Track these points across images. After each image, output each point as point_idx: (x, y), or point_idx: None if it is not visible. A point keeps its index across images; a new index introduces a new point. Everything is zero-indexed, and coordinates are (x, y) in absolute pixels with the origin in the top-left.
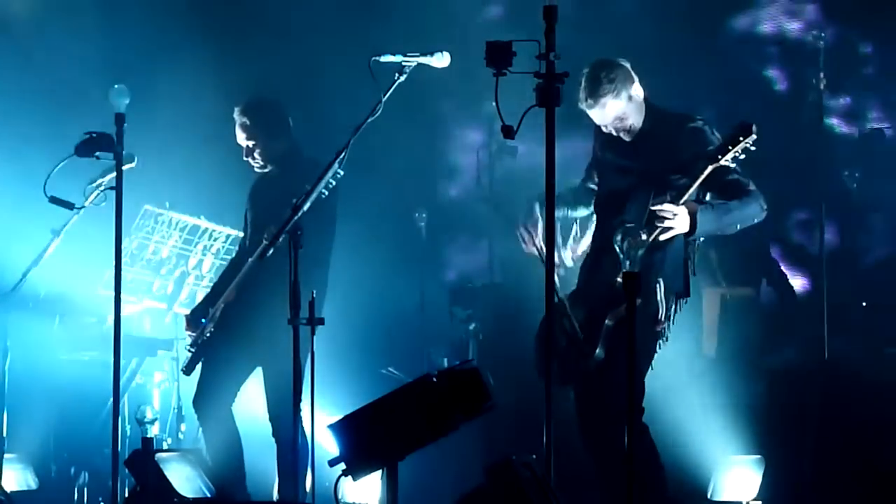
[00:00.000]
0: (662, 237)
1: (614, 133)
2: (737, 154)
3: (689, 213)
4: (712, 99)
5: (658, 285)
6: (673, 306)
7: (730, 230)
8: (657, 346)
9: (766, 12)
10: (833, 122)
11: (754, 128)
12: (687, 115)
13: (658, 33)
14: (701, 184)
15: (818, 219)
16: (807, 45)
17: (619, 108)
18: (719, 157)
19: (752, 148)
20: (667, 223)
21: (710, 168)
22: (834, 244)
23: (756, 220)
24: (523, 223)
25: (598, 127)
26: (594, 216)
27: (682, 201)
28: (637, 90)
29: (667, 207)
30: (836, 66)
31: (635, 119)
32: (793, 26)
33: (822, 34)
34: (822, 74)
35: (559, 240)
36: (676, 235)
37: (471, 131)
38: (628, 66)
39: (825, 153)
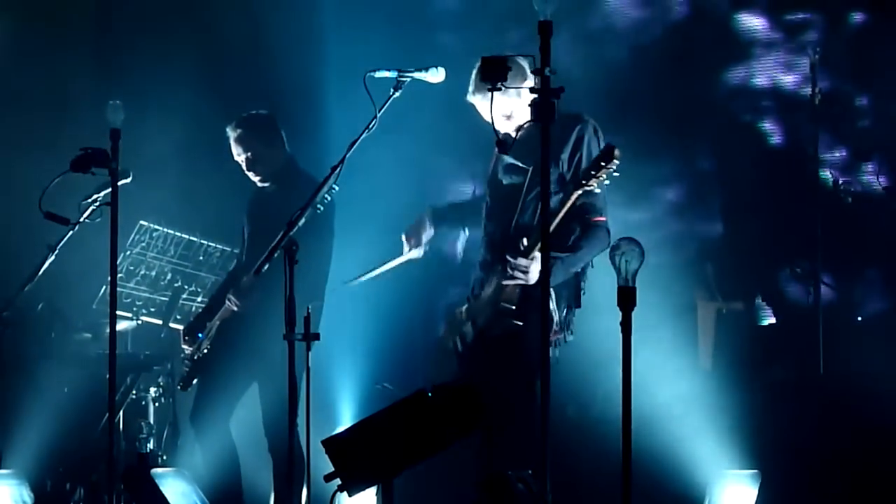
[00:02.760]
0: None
1: (501, 131)
2: (602, 179)
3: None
4: (708, 152)
5: (549, 297)
6: (567, 316)
7: (576, 270)
8: (554, 353)
9: (760, 65)
10: (828, 174)
11: (617, 152)
12: (576, 114)
13: (653, 84)
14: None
15: (814, 270)
16: (801, 98)
17: (505, 105)
18: (583, 182)
19: (616, 174)
20: (519, 277)
21: (575, 194)
22: (829, 297)
23: (601, 252)
24: (406, 232)
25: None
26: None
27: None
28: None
29: (521, 262)
30: (832, 118)
31: (522, 117)
32: (787, 79)
33: (818, 87)
34: (817, 127)
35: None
36: None
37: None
38: (525, 63)
39: (821, 206)
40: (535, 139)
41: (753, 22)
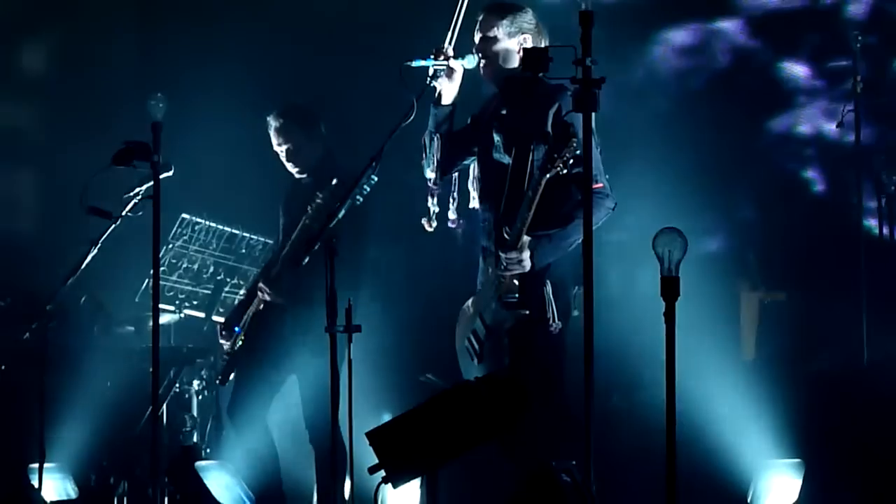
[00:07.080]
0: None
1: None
2: (566, 158)
3: (530, 254)
4: (752, 200)
5: (545, 288)
6: (576, 293)
7: (573, 247)
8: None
9: (804, 113)
10: (872, 223)
11: (572, 129)
12: (558, 85)
13: (696, 132)
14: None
15: (859, 318)
16: (845, 147)
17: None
18: (549, 167)
19: (578, 152)
20: (514, 269)
21: (543, 180)
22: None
23: (604, 221)
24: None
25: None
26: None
27: (525, 231)
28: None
29: (512, 256)
30: (875, 167)
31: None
32: (831, 127)
33: (860, 134)
34: (860, 175)
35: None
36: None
37: None
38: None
39: (865, 255)
40: (526, 116)
41: (796, 70)
